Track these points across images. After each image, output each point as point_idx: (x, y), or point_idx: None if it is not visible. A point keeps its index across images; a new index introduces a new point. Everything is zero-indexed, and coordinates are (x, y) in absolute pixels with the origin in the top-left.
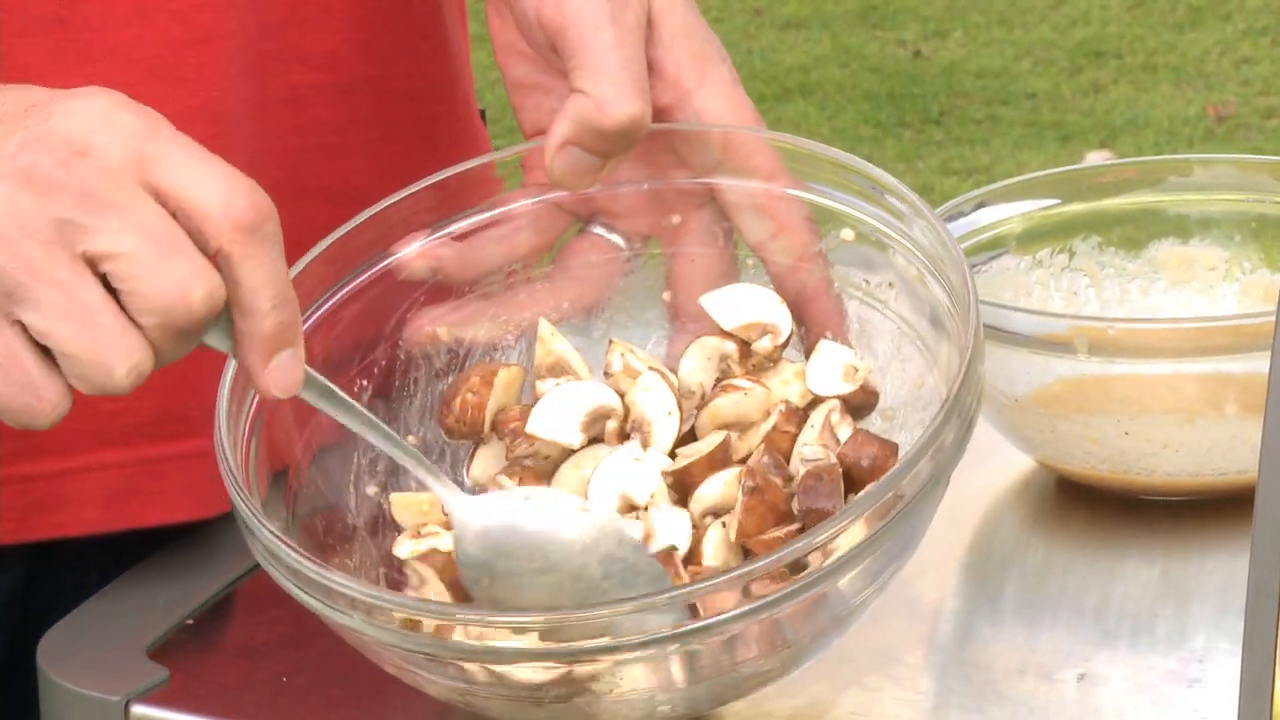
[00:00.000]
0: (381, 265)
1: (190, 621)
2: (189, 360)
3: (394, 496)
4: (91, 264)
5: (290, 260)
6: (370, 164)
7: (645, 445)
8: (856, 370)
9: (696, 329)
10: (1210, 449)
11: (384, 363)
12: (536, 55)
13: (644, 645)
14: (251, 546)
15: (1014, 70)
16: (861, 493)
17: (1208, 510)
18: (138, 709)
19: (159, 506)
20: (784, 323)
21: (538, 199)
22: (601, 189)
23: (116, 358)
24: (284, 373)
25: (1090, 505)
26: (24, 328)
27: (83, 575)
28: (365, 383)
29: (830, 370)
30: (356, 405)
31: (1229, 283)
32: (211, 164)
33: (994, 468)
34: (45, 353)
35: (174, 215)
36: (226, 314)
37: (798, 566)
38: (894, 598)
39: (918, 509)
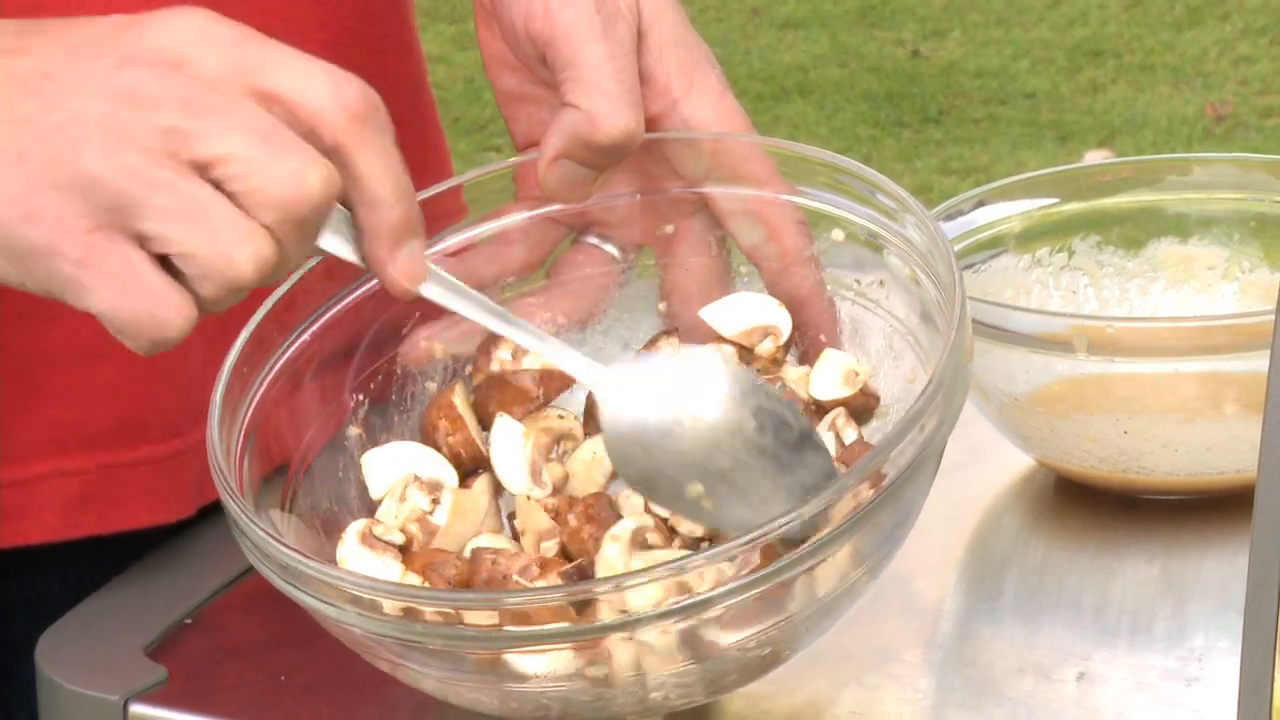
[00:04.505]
0: (375, 283)
1: (189, 621)
2: (145, 366)
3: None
4: (200, 171)
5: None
6: None
7: None
8: (857, 374)
9: (693, 339)
10: (1209, 448)
11: (381, 378)
12: (525, 67)
13: (628, 625)
14: (241, 544)
15: (1012, 70)
16: (846, 470)
17: (1207, 509)
18: (136, 708)
19: (118, 513)
20: (784, 324)
21: (531, 212)
22: (594, 200)
23: (236, 246)
24: (411, 263)
25: (1089, 504)
26: (140, 242)
27: (44, 580)
28: (361, 397)
29: (832, 376)
30: (483, 298)
31: (1228, 282)
32: (313, 62)
33: (993, 467)
34: (165, 266)
35: (284, 119)
36: (338, 218)
37: (780, 544)
38: (893, 596)
39: (903, 488)
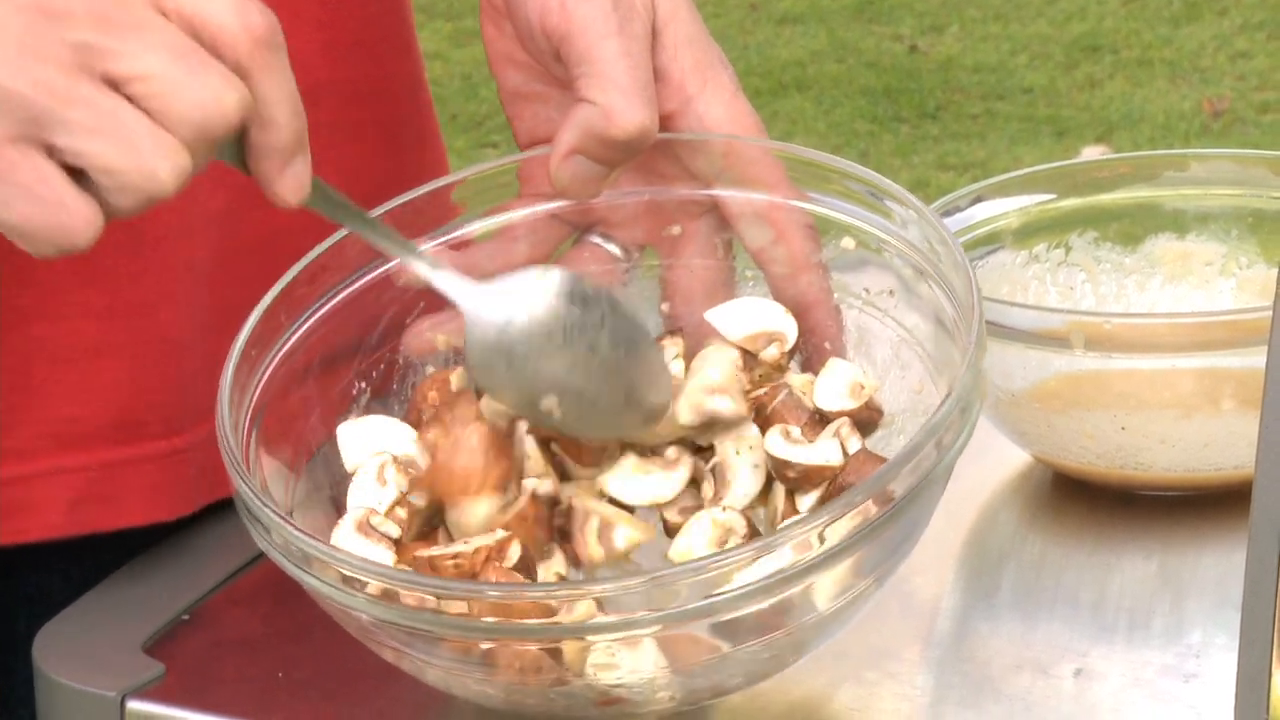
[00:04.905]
0: (381, 270)
1: (186, 617)
2: (143, 365)
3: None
4: (115, 87)
5: (267, 276)
6: (336, 165)
7: (719, 496)
8: (863, 387)
9: (696, 340)
10: (1207, 444)
11: (383, 366)
12: (534, 64)
13: (626, 626)
14: (251, 529)
15: (1010, 65)
16: (861, 482)
17: (1204, 505)
18: (134, 704)
19: (118, 511)
20: (790, 330)
21: (536, 209)
22: (601, 199)
23: (159, 160)
24: (297, 179)
25: (1087, 500)
26: (51, 153)
27: (46, 577)
28: (364, 384)
29: (837, 387)
30: (362, 211)
31: (1226, 277)
32: None
33: (991, 463)
34: (73, 176)
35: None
36: None
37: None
38: (891, 594)
39: (913, 502)
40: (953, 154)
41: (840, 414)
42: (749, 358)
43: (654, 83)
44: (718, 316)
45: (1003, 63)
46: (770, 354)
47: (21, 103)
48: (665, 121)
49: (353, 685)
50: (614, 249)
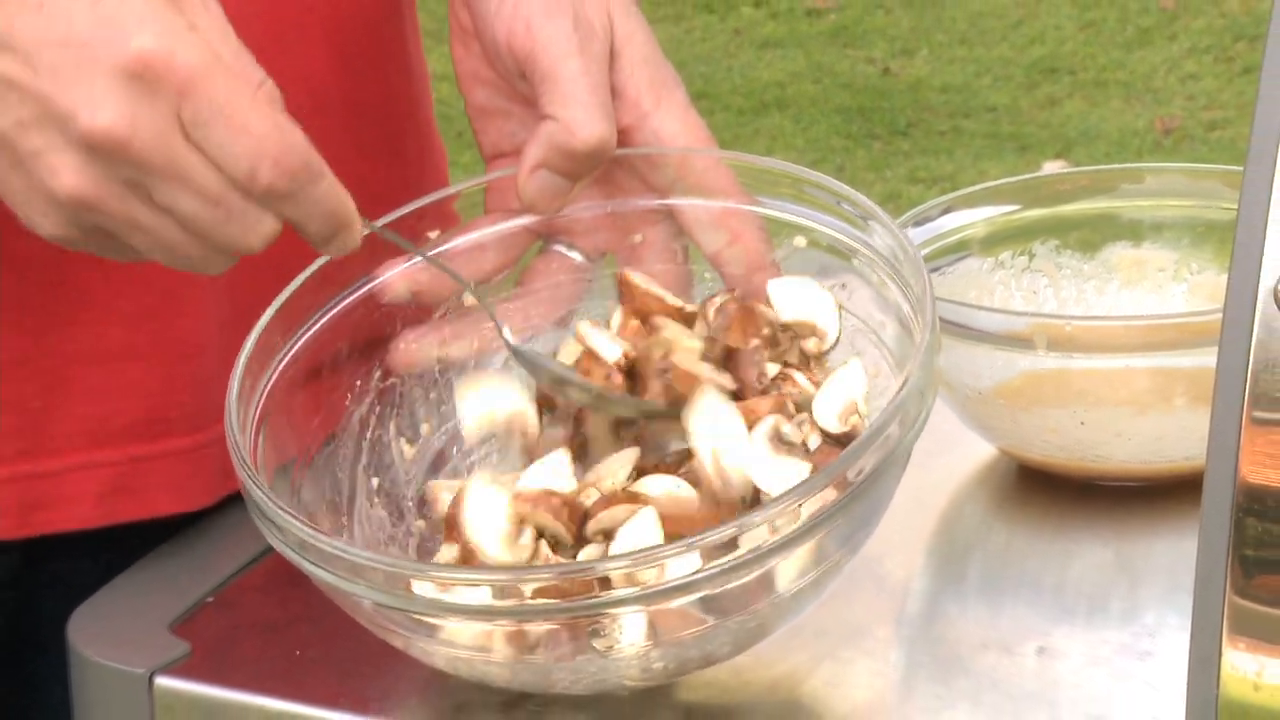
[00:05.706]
0: (366, 288)
1: (210, 599)
2: (167, 365)
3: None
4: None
5: (282, 280)
6: (340, 172)
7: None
8: (856, 414)
9: None
10: (1160, 438)
11: (379, 370)
12: (499, 81)
13: (645, 599)
14: (263, 528)
15: (975, 86)
16: (842, 453)
17: (1158, 495)
18: (161, 681)
19: (144, 503)
20: (832, 329)
21: (505, 224)
22: (564, 212)
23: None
24: (340, 248)
25: (1049, 491)
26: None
27: (76, 560)
28: (364, 387)
29: (834, 405)
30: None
31: (1178, 283)
32: (244, 131)
33: (958, 456)
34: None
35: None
36: None
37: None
38: (865, 577)
39: (877, 480)
40: (923, 169)
41: (827, 435)
42: (784, 333)
43: (611, 99)
44: (778, 288)
45: (968, 83)
46: (810, 346)
47: (90, 211)
48: (623, 135)
49: (364, 663)
50: (577, 256)
